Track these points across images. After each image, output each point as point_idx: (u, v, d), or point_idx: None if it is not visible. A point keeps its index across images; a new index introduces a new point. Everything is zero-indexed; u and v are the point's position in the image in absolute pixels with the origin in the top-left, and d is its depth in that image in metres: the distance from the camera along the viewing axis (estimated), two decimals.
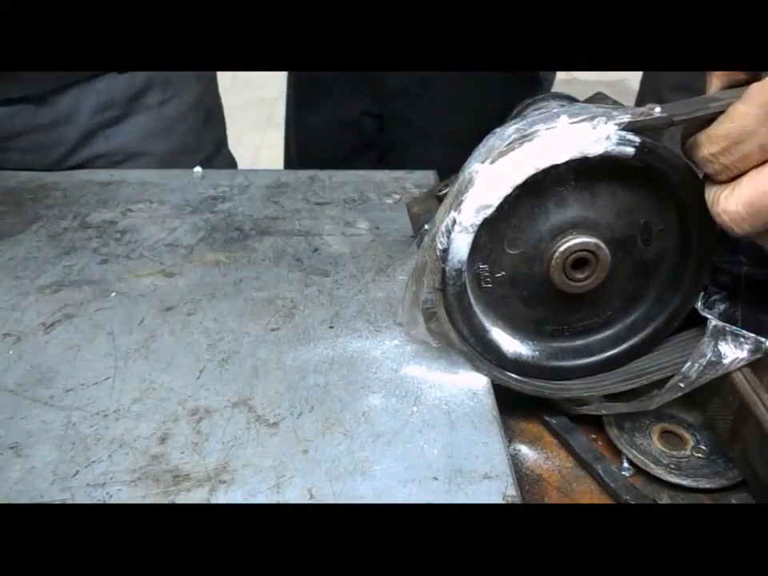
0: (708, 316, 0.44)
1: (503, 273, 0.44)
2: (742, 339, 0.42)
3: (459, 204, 0.41)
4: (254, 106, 3.28)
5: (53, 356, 0.48)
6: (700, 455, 0.45)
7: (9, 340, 0.50)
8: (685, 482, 0.43)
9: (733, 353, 0.42)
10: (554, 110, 0.40)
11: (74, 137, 0.79)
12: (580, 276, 0.43)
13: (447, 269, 0.42)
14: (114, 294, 0.56)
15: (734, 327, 0.42)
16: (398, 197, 0.71)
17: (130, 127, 0.82)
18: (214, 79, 0.95)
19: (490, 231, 0.42)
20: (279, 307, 0.54)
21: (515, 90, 0.89)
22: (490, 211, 0.41)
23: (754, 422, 0.40)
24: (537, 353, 0.47)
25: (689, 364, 0.42)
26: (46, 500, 0.38)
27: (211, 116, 0.92)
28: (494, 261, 0.44)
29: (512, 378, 0.46)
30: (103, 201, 0.70)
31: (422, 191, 0.68)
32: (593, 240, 0.42)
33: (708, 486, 0.43)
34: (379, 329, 0.51)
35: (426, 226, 0.44)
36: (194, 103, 0.87)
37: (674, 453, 0.45)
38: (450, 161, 0.53)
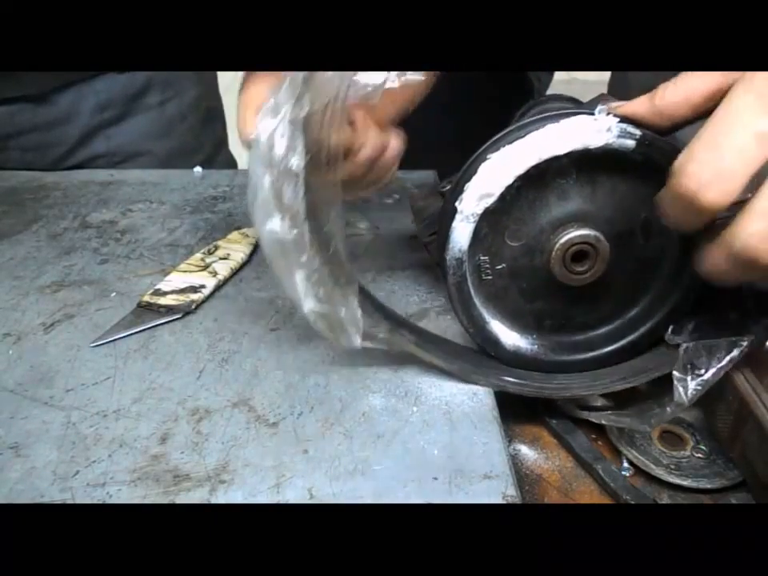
0: (679, 342, 0.43)
1: (504, 265, 0.44)
2: (715, 349, 0.42)
3: (461, 193, 0.41)
4: None
5: (53, 356, 0.48)
6: (700, 455, 0.45)
7: (9, 340, 0.50)
8: (685, 483, 0.43)
9: (712, 365, 0.41)
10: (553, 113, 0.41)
11: (73, 136, 0.79)
12: (580, 269, 0.43)
13: (448, 258, 0.42)
14: (114, 293, 0.56)
15: (706, 341, 0.42)
16: (397, 197, 0.71)
17: (130, 127, 0.82)
18: (214, 79, 0.95)
19: (492, 223, 0.43)
20: (279, 307, 0.54)
21: (512, 91, 0.89)
22: (491, 200, 0.41)
23: (754, 422, 0.40)
24: (536, 346, 0.47)
25: (675, 393, 0.41)
26: (46, 500, 0.38)
27: (211, 116, 0.92)
28: (495, 253, 0.44)
29: (510, 382, 0.46)
30: (103, 201, 0.70)
31: (423, 190, 0.68)
32: (593, 233, 0.42)
33: (708, 486, 0.43)
34: None
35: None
36: (194, 103, 0.87)
37: (674, 453, 0.45)
38: (448, 162, 0.53)
